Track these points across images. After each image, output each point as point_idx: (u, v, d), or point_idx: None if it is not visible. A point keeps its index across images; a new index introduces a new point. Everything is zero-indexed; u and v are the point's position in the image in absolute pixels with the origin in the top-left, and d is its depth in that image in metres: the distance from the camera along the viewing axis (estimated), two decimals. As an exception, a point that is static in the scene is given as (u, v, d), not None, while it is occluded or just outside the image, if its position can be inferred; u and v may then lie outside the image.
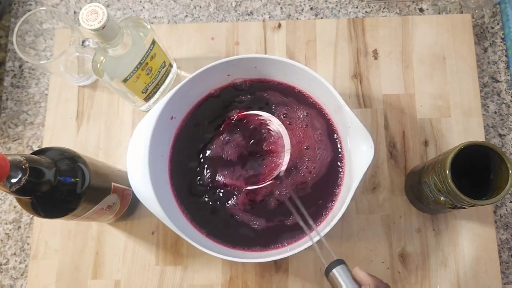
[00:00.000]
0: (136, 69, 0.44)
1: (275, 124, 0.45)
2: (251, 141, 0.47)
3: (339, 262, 0.31)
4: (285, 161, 0.44)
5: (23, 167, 0.32)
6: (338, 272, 0.31)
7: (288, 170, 0.47)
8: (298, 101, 0.48)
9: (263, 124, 0.48)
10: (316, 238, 0.39)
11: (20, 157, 0.32)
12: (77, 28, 0.48)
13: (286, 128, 0.47)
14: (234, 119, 0.48)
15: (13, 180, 0.31)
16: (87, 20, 0.36)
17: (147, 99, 0.50)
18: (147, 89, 0.48)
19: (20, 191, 0.32)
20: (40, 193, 0.34)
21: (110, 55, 0.41)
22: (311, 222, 0.39)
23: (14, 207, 0.53)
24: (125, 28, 0.41)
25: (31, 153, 0.35)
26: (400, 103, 0.53)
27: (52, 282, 0.49)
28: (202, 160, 0.47)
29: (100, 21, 0.36)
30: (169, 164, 0.47)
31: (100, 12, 0.36)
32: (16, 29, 0.47)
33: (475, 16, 0.56)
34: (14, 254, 0.51)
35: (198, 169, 0.47)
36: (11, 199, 0.53)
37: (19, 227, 0.52)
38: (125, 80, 0.43)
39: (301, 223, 0.40)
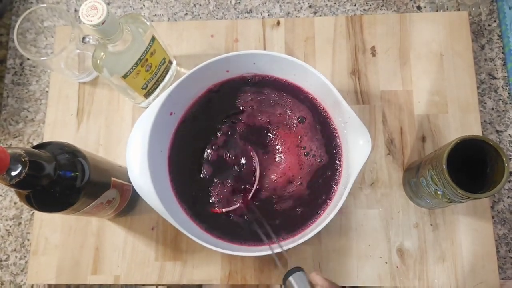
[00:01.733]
0: (135, 65, 0.44)
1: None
2: (251, 139, 0.48)
3: (297, 269, 0.33)
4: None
5: (23, 160, 0.32)
6: (294, 279, 0.33)
7: (284, 168, 0.47)
8: (296, 97, 0.48)
9: (263, 124, 0.48)
10: (277, 249, 0.39)
11: (20, 150, 0.32)
12: (77, 25, 0.48)
13: (283, 125, 0.47)
14: (234, 117, 0.48)
15: (13, 173, 0.32)
16: (87, 15, 0.37)
17: (147, 95, 0.51)
18: (147, 86, 0.49)
19: (19, 185, 0.32)
20: (39, 187, 0.34)
21: (110, 51, 0.41)
22: (271, 233, 0.41)
23: (15, 203, 0.53)
24: (125, 24, 0.42)
25: (32, 147, 0.36)
26: (398, 99, 0.53)
27: (52, 277, 0.50)
28: (201, 156, 0.48)
29: (100, 17, 0.37)
30: (168, 159, 0.47)
31: (100, 8, 0.37)
32: (16, 26, 0.47)
33: (472, 14, 0.56)
34: (15, 250, 0.52)
35: (197, 164, 0.47)
36: (12, 195, 0.54)
37: (20, 223, 0.52)
38: (124, 76, 0.44)
39: (263, 236, 0.41)
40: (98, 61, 0.42)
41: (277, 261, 0.38)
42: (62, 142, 0.38)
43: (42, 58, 0.46)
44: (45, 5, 0.49)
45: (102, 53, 0.41)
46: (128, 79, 0.44)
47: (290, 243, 0.41)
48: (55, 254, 0.50)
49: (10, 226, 0.52)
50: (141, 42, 0.43)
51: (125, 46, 0.42)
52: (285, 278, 0.34)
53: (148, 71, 0.47)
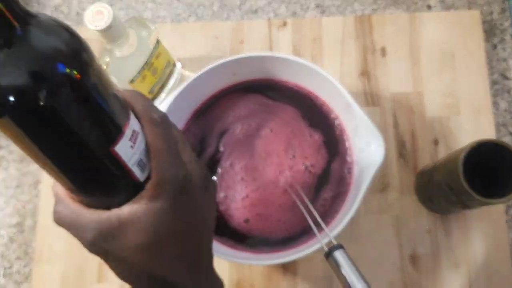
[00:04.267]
0: (142, 69, 0.43)
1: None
2: (249, 151, 0.46)
3: (339, 247, 0.35)
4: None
5: None
6: (336, 255, 0.35)
7: (293, 174, 0.46)
8: (304, 100, 0.47)
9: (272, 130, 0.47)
10: (323, 236, 0.38)
11: None
12: None
13: (292, 130, 0.46)
14: (241, 121, 0.47)
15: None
16: (92, 21, 0.36)
17: (153, 100, 0.50)
18: (153, 90, 0.48)
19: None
20: None
21: (117, 56, 0.40)
22: (312, 209, 0.41)
23: (18, 210, 0.52)
24: (130, 28, 0.41)
25: None
26: (409, 101, 0.52)
27: (57, 286, 0.49)
28: (208, 161, 0.46)
29: (106, 22, 0.36)
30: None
31: (106, 12, 0.36)
32: None
33: (483, 13, 0.55)
34: (18, 258, 0.51)
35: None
36: (15, 202, 0.53)
37: (23, 230, 0.51)
38: (131, 81, 0.43)
39: (306, 214, 0.41)
40: (105, 67, 0.41)
41: (319, 236, 0.38)
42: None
43: None
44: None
45: (108, 59, 0.40)
46: (135, 84, 0.44)
47: (300, 251, 0.40)
48: (59, 262, 0.49)
49: (14, 233, 0.52)
50: (146, 46, 0.43)
51: (131, 50, 0.41)
52: (328, 255, 0.35)
53: (154, 75, 0.46)
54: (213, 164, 0.45)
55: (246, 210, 0.44)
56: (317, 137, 0.45)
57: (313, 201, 0.44)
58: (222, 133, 0.46)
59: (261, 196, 0.44)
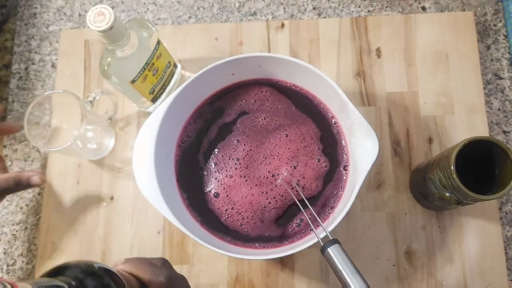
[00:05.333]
0: (143, 69, 0.44)
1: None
2: (258, 140, 0.48)
3: (334, 241, 0.36)
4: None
5: None
6: (332, 250, 0.35)
7: (290, 172, 0.47)
8: (301, 100, 0.48)
9: (270, 127, 0.48)
10: (320, 234, 0.39)
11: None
12: (85, 112, 0.45)
13: (289, 129, 0.47)
14: (241, 121, 0.48)
15: None
16: (94, 21, 0.37)
17: (154, 100, 0.51)
18: (154, 90, 0.49)
19: None
20: None
21: (118, 56, 0.41)
22: (309, 206, 0.42)
23: (21, 208, 0.53)
24: (130, 29, 0.42)
25: (45, 274, 0.27)
26: (404, 100, 0.53)
27: (59, 282, 0.50)
28: (208, 159, 0.47)
29: (108, 22, 0.37)
30: (175, 163, 0.47)
31: (107, 13, 0.37)
32: (27, 115, 0.46)
33: (477, 14, 0.56)
34: (21, 254, 0.52)
35: (204, 168, 0.47)
36: (18, 200, 0.54)
37: (26, 228, 0.53)
38: (133, 81, 0.44)
39: (302, 209, 0.42)
40: (106, 67, 0.42)
41: (315, 232, 0.39)
42: (84, 262, 0.29)
43: (55, 149, 0.45)
44: (60, 90, 0.47)
45: (109, 59, 0.41)
46: (136, 84, 0.45)
47: (299, 246, 0.41)
48: (61, 259, 0.50)
49: (17, 231, 0.53)
50: (147, 46, 0.44)
51: (132, 51, 0.42)
52: (324, 249, 0.36)
53: (155, 75, 0.47)
54: (223, 131, 0.48)
55: (221, 187, 0.46)
56: (323, 165, 0.46)
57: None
58: (243, 113, 0.48)
59: (241, 184, 0.46)
